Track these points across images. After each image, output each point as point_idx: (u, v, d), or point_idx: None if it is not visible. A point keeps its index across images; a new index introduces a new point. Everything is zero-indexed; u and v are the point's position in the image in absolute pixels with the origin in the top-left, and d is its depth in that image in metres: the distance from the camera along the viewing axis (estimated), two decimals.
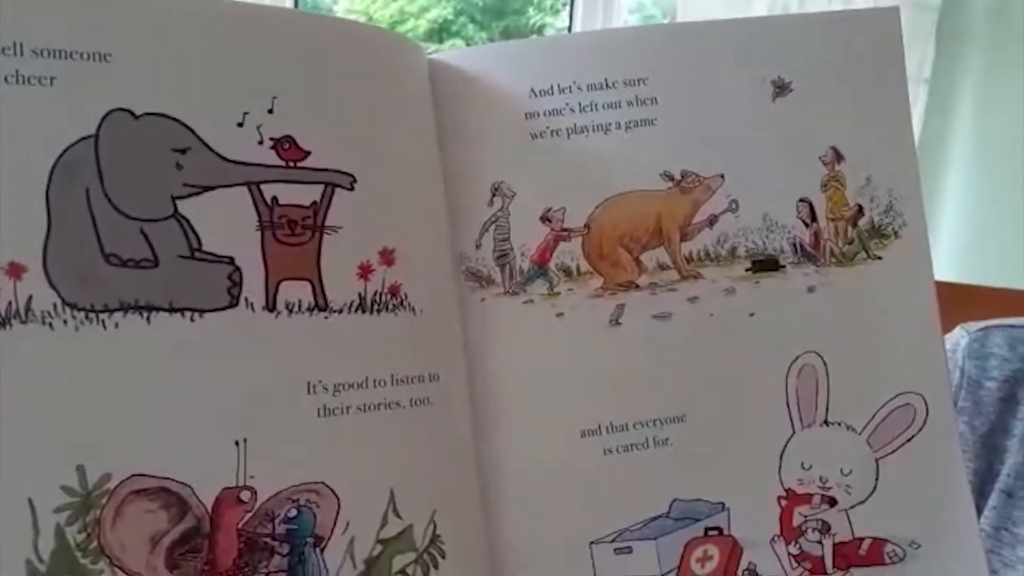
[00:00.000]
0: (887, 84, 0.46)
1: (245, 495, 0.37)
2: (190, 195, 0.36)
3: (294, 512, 0.37)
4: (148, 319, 0.35)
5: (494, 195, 0.43)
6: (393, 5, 2.41)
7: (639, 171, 0.44)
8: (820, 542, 0.44)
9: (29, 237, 0.34)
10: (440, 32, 2.42)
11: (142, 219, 0.36)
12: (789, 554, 0.44)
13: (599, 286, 0.44)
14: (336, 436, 0.38)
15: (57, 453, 0.34)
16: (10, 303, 0.34)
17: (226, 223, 0.37)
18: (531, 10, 2.46)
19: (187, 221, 0.36)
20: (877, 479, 0.44)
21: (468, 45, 2.40)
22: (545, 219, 0.44)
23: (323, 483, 0.38)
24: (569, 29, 2.25)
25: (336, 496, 0.38)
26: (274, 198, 0.38)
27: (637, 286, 0.44)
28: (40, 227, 0.34)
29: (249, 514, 0.37)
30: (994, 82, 2.08)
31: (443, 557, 0.40)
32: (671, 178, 0.44)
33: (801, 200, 0.45)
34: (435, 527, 0.40)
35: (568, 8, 2.27)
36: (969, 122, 2.12)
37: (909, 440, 0.44)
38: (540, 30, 2.45)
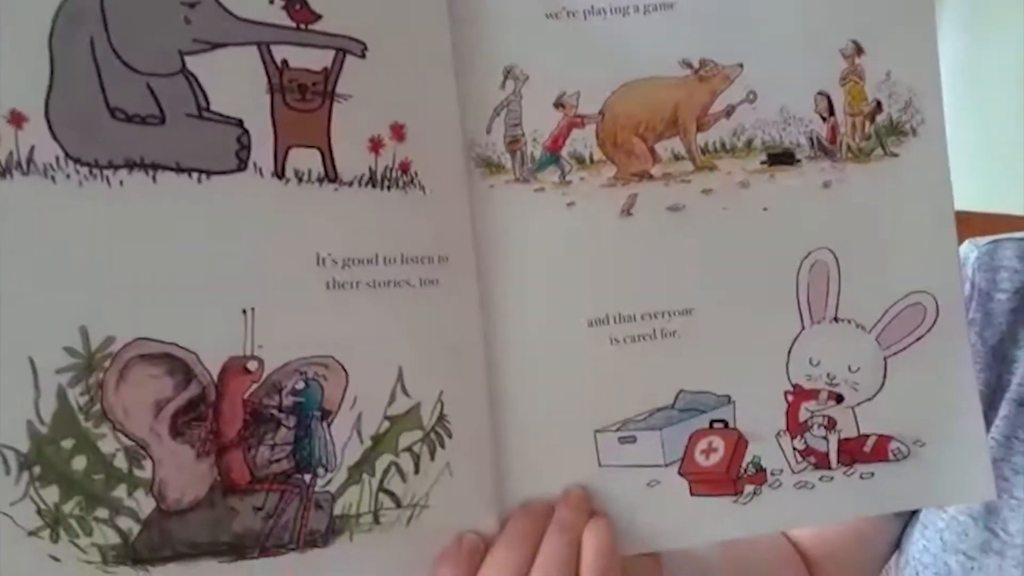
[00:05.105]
0: None
1: (252, 365, 0.36)
2: (199, 51, 0.35)
3: (302, 384, 0.37)
4: (154, 177, 0.34)
5: (506, 78, 0.42)
6: None
7: (656, 57, 0.43)
8: (826, 438, 0.44)
9: (31, 86, 0.33)
10: None
11: (149, 73, 0.34)
12: (794, 448, 0.43)
13: (612, 175, 0.43)
14: (345, 310, 0.37)
15: (59, 312, 0.33)
16: (11, 153, 0.32)
17: (235, 83, 0.36)
18: None
19: (195, 78, 0.35)
20: (885, 377, 0.44)
21: None
22: (559, 104, 0.42)
23: (332, 357, 0.37)
24: None
25: (344, 370, 0.37)
26: (284, 60, 0.36)
27: (651, 176, 0.43)
28: (42, 76, 0.33)
29: (256, 384, 0.36)
30: None
31: (449, 436, 0.39)
32: (689, 65, 0.43)
33: (819, 93, 0.44)
34: (442, 407, 0.39)
35: None
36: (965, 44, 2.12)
37: (918, 339, 0.44)
38: None
